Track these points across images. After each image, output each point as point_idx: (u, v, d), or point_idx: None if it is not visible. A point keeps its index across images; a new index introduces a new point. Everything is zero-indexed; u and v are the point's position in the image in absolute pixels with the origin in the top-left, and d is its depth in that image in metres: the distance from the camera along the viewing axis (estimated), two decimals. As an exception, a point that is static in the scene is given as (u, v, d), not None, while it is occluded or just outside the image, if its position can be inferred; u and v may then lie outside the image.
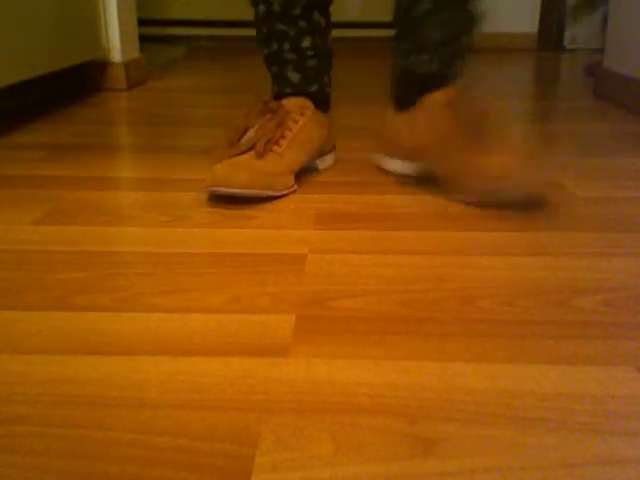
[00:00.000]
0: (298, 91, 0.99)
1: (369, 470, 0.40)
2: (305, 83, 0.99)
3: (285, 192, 0.91)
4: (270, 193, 0.88)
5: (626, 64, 1.54)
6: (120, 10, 1.72)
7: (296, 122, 0.95)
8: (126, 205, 0.87)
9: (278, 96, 1.00)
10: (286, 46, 0.98)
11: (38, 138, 1.24)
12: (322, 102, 1.02)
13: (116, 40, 1.73)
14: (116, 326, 0.57)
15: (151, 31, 2.83)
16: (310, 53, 0.99)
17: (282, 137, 0.92)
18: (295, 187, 0.93)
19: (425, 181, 0.94)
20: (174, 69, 2.20)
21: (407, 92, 0.95)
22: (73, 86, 1.77)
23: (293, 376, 0.50)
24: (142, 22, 2.03)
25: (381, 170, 1.02)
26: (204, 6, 3.00)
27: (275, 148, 0.91)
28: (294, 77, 0.99)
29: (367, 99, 1.65)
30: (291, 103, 0.97)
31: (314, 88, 1.00)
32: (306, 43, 0.98)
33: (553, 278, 0.67)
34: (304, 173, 0.98)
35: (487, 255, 0.72)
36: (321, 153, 1.02)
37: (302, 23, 0.97)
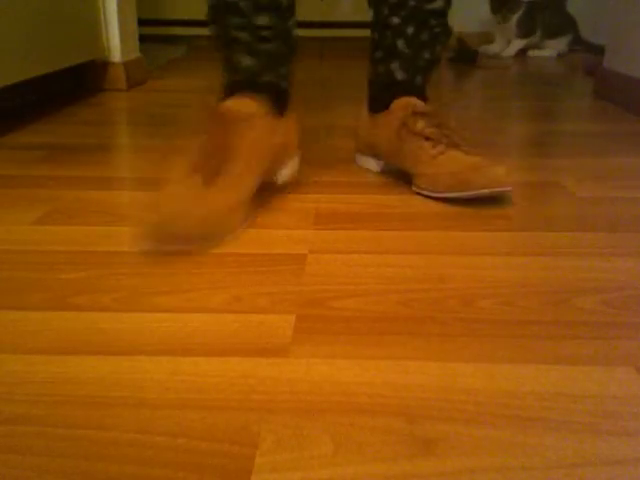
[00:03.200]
0: (248, 80, 0.86)
1: (369, 470, 0.40)
2: (257, 70, 0.86)
3: (238, 229, 0.78)
4: (224, 235, 0.75)
5: (626, 64, 1.54)
6: (120, 10, 1.72)
7: (243, 138, 0.79)
8: (126, 205, 0.87)
9: (227, 90, 0.87)
10: (235, 21, 0.84)
11: (38, 138, 1.24)
12: (277, 99, 0.88)
13: (116, 40, 1.73)
14: (116, 326, 0.57)
15: (151, 31, 2.83)
16: (266, 33, 0.85)
17: (232, 158, 0.77)
18: (248, 220, 0.80)
19: (395, 178, 0.97)
20: (174, 69, 2.20)
21: (378, 96, 1.00)
22: (73, 86, 1.77)
23: (293, 376, 0.50)
24: (142, 22, 2.03)
25: (361, 167, 1.05)
26: (204, 6, 3.00)
27: (224, 179, 0.76)
28: (245, 61, 0.86)
29: (361, 99, 1.65)
30: (240, 109, 0.81)
31: (267, 78, 0.87)
32: (262, 21, 0.84)
33: (553, 278, 0.67)
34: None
35: (487, 255, 0.72)
36: (278, 166, 0.89)
37: None
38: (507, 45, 2.69)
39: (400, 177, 0.97)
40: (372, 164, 1.03)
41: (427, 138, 0.91)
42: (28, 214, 0.83)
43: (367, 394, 0.48)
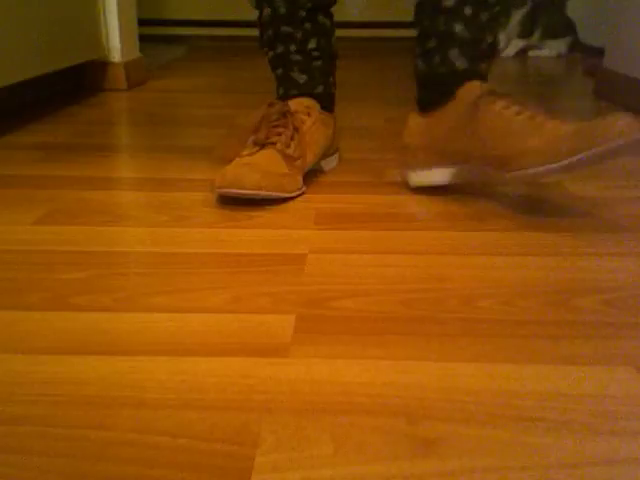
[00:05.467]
0: (304, 92, 0.99)
1: (369, 470, 0.40)
2: (311, 84, 1.00)
3: (295, 194, 0.90)
4: (281, 195, 0.87)
5: (626, 64, 1.54)
6: (120, 10, 1.72)
7: (303, 123, 0.94)
8: (126, 205, 0.87)
9: (284, 97, 1.00)
10: (292, 48, 0.98)
11: (38, 138, 1.24)
12: (327, 103, 1.03)
13: (116, 40, 1.73)
14: (116, 326, 0.57)
15: (151, 31, 2.83)
16: (316, 54, 0.99)
17: (291, 138, 0.92)
18: (304, 189, 0.92)
19: (463, 185, 0.90)
20: (174, 69, 2.20)
21: (436, 91, 0.89)
22: (73, 86, 1.77)
23: (293, 376, 0.50)
24: (142, 22, 2.03)
25: (411, 185, 0.92)
26: (204, 6, 3.00)
27: (283, 149, 0.90)
28: (300, 78, 0.99)
29: (368, 99, 1.65)
30: (297, 104, 0.97)
31: (320, 89, 1.01)
32: (312, 44, 0.99)
33: (553, 278, 0.67)
34: (308, 174, 0.97)
35: (487, 255, 0.72)
36: (326, 154, 1.02)
37: (307, 25, 0.98)
38: (507, 41, 2.69)
39: (473, 181, 0.89)
40: (439, 176, 0.88)
41: (518, 113, 0.79)
42: (28, 214, 0.83)
43: (367, 394, 0.48)
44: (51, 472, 0.40)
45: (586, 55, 2.54)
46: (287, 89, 1.01)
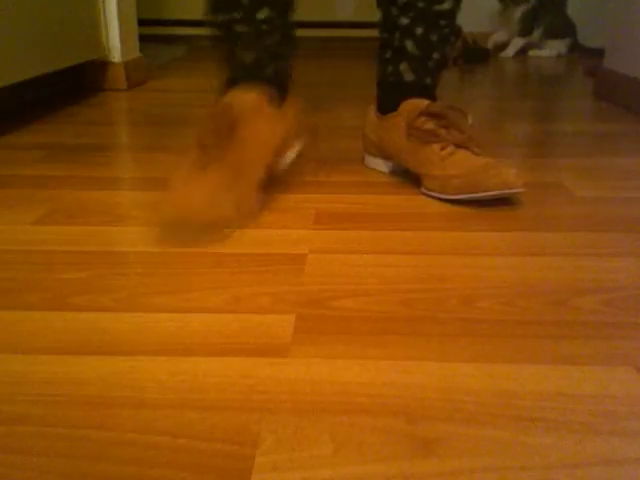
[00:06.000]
0: (250, 74, 0.87)
1: (369, 470, 0.40)
2: (259, 64, 0.87)
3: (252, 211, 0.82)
4: (219, 221, 0.76)
5: (626, 64, 1.54)
6: (120, 10, 1.72)
7: (248, 126, 0.82)
8: (126, 205, 0.87)
9: (229, 84, 0.88)
10: (237, 15, 0.84)
11: (38, 138, 1.24)
12: (278, 90, 0.90)
13: (116, 40, 1.73)
14: (116, 326, 0.57)
15: (151, 31, 2.83)
16: (266, 28, 0.85)
17: (235, 149, 0.80)
18: (260, 199, 0.84)
19: (402, 178, 0.96)
20: (174, 69, 2.20)
21: (387, 97, 1.00)
22: (73, 86, 1.77)
23: (293, 376, 0.50)
24: (142, 22, 2.03)
25: (369, 168, 1.04)
26: (204, 5, 3.00)
27: (232, 159, 0.78)
28: (246, 56, 0.86)
29: (363, 99, 1.65)
30: (243, 101, 0.83)
31: (270, 71, 0.88)
32: (262, 14, 0.84)
33: (553, 278, 0.67)
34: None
35: (487, 255, 0.72)
36: (280, 153, 0.91)
37: None
38: (507, 40, 2.69)
39: (409, 178, 0.97)
40: (381, 165, 1.03)
41: (436, 139, 0.90)
42: (28, 214, 0.83)
43: (367, 394, 0.48)
44: (51, 472, 0.40)
45: (585, 56, 2.55)
46: (232, 71, 0.88)
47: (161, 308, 0.60)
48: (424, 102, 0.94)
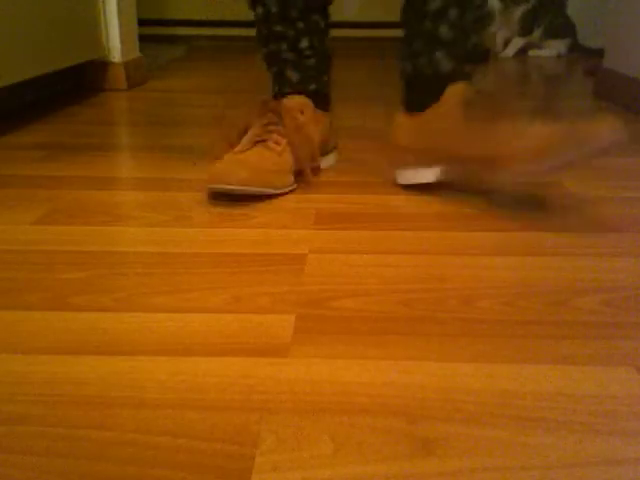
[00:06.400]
0: (297, 89, 1.00)
1: (369, 470, 0.40)
2: (304, 82, 1.00)
3: (285, 190, 0.92)
4: (269, 191, 0.89)
5: (626, 64, 1.54)
6: (120, 10, 1.72)
7: (296, 120, 0.95)
8: (126, 205, 0.87)
9: (278, 96, 1.01)
10: (284, 46, 0.99)
11: (38, 138, 1.24)
12: (322, 101, 1.03)
13: (116, 40, 1.73)
14: (116, 326, 0.57)
15: (151, 31, 2.83)
16: (308, 53, 1.00)
17: (283, 136, 0.93)
18: (295, 185, 0.93)
19: (446, 184, 0.90)
20: (174, 69, 2.20)
21: (422, 93, 0.90)
22: (73, 86, 1.77)
23: (293, 376, 0.50)
24: (142, 22, 2.03)
25: (401, 184, 0.94)
26: (204, 6, 3.00)
27: (274, 146, 0.91)
28: (293, 76, 1.00)
29: (366, 99, 1.65)
30: (291, 102, 0.97)
31: (313, 87, 1.01)
32: (304, 43, 0.99)
33: (553, 278, 0.67)
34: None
35: (487, 255, 0.72)
36: (322, 152, 1.02)
37: (300, 24, 0.98)
38: (507, 40, 2.69)
39: (468, 184, 0.89)
40: (426, 175, 0.89)
41: (501, 116, 0.82)
42: (28, 214, 0.83)
43: (367, 394, 0.48)
44: (51, 472, 0.40)
45: (585, 56, 2.55)
46: (281, 87, 1.01)
47: (161, 308, 0.60)
48: (469, 85, 0.87)
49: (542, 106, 1.60)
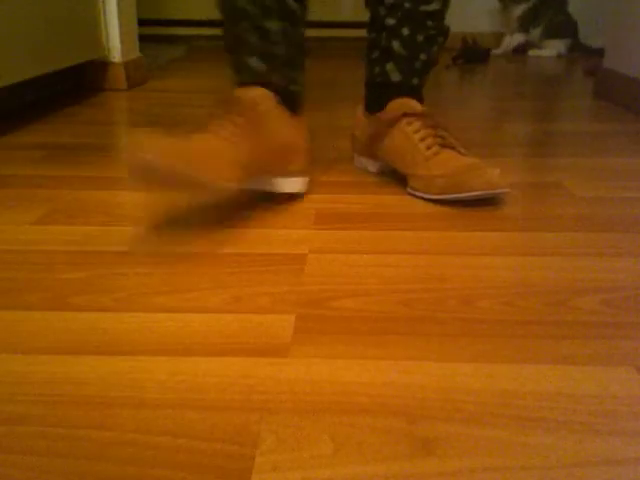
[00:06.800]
0: (259, 80, 0.86)
1: (369, 470, 0.40)
2: (266, 71, 0.86)
3: (222, 185, 0.73)
4: (191, 173, 0.70)
5: (626, 64, 1.54)
6: (120, 10, 1.72)
7: (251, 113, 0.80)
8: (126, 205, 0.87)
9: (236, 87, 0.88)
10: (245, 25, 0.85)
11: (38, 138, 1.24)
12: (288, 101, 0.87)
13: (116, 40, 1.73)
14: (116, 326, 0.57)
15: (151, 31, 2.83)
16: (276, 38, 0.86)
17: (234, 124, 0.79)
18: (235, 187, 0.76)
19: (389, 178, 0.97)
20: (174, 69, 2.20)
21: (374, 97, 1.00)
22: (73, 86, 1.77)
23: (293, 376, 0.50)
24: (142, 22, 2.03)
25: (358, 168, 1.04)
26: (204, 6, 3.00)
27: (221, 131, 0.77)
28: (256, 64, 0.86)
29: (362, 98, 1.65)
30: (246, 93, 0.82)
31: (278, 80, 0.87)
32: (271, 25, 0.85)
33: (553, 278, 0.67)
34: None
35: (487, 255, 0.72)
36: (286, 172, 0.85)
37: (268, 1, 0.84)
38: (507, 37, 2.69)
39: (396, 178, 0.97)
40: (369, 165, 1.03)
41: (421, 139, 0.91)
42: (28, 214, 0.83)
43: (367, 394, 0.48)
44: (51, 472, 0.40)
45: (585, 56, 2.55)
46: (241, 76, 0.88)
47: (161, 308, 0.60)
48: (411, 102, 0.94)
49: (542, 106, 1.60)
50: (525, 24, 2.64)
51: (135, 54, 1.84)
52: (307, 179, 0.90)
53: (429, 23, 0.94)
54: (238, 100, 0.81)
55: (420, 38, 0.95)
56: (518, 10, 2.63)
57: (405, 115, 0.93)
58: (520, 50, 2.70)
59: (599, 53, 1.88)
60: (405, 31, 0.94)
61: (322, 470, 0.40)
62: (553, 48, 2.65)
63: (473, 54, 2.37)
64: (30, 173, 1.01)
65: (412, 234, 0.78)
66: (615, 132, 1.30)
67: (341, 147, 1.15)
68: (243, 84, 0.87)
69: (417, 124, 0.92)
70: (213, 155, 0.73)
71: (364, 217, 0.83)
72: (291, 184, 0.87)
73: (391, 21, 0.94)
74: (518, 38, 2.66)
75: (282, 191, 0.86)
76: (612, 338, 0.55)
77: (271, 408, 0.46)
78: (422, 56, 0.96)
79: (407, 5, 0.93)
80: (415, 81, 0.97)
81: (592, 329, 0.57)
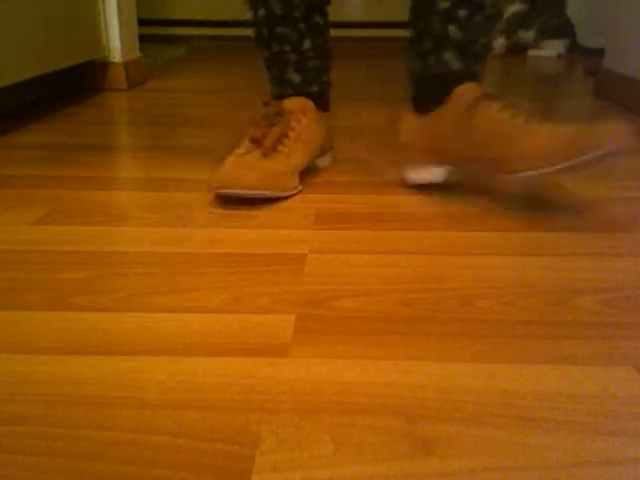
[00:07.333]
0: (299, 91, 1.00)
1: (369, 470, 0.40)
2: (306, 84, 1.00)
3: (293, 192, 0.91)
4: (279, 194, 0.88)
5: (626, 64, 1.54)
6: (120, 10, 1.72)
7: (299, 122, 0.95)
8: (126, 205, 0.87)
9: (279, 97, 1.01)
10: (287, 48, 0.99)
11: (38, 138, 1.24)
12: (322, 102, 1.03)
13: (116, 40, 1.73)
14: (116, 326, 0.57)
15: (151, 31, 2.83)
16: (311, 54, 0.99)
17: (286, 137, 0.93)
18: (300, 187, 0.93)
19: (451, 185, 0.91)
20: (174, 69, 2.20)
21: (429, 92, 0.91)
22: (73, 86, 1.77)
23: (293, 376, 0.50)
24: (142, 22, 2.03)
25: (408, 182, 0.94)
26: (204, 6, 3.00)
27: (280, 148, 0.91)
28: (295, 78, 1.00)
29: (367, 99, 1.65)
30: (293, 103, 0.97)
31: (315, 88, 1.01)
32: (306, 45, 0.99)
33: (553, 278, 0.67)
34: (306, 173, 0.97)
35: (487, 255, 0.72)
36: (320, 152, 1.03)
37: (302, 25, 0.97)
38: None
39: (465, 189, 0.90)
40: (433, 174, 0.90)
41: (513, 116, 0.81)
42: (28, 214, 0.83)
43: (367, 394, 0.48)
44: (51, 472, 0.40)
45: (585, 56, 2.55)
46: (282, 89, 1.01)
47: (161, 308, 0.60)
48: (477, 86, 0.86)
49: (542, 106, 1.60)
50: (511, 27, 2.63)
51: (135, 54, 1.84)
52: (332, 152, 1.08)
53: (487, 2, 0.87)
54: (288, 110, 0.95)
55: (479, 20, 0.87)
56: (507, 12, 2.62)
57: (482, 96, 0.83)
58: (520, 50, 2.70)
59: (598, 53, 1.88)
60: (462, 13, 0.86)
61: (322, 470, 0.40)
62: (553, 48, 2.65)
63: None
64: (30, 173, 1.01)
65: (412, 234, 0.78)
66: (615, 132, 1.30)
67: (341, 147, 1.15)
68: (283, 96, 1.00)
69: (498, 105, 0.82)
70: (282, 171, 0.89)
71: (364, 217, 0.83)
72: (325, 160, 1.05)
73: (445, 4, 0.86)
74: (499, 42, 2.65)
75: (321, 166, 1.04)
76: (612, 338, 0.55)
77: (271, 408, 0.46)
78: (482, 39, 0.88)
79: None
80: (477, 69, 0.89)
81: (592, 329, 0.57)
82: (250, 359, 0.52)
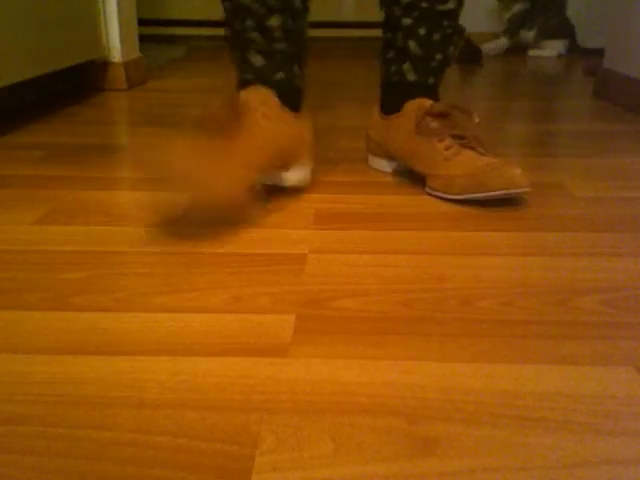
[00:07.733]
0: (261, 77, 0.88)
1: (369, 470, 0.40)
2: (270, 68, 0.89)
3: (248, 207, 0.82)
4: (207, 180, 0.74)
5: (626, 64, 1.54)
6: (120, 10, 1.72)
7: (254, 124, 0.82)
8: (126, 205, 0.87)
9: (240, 86, 0.91)
10: (249, 23, 0.87)
11: (38, 138, 1.24)
12: (289, 97, 0.90)
13: (116, 40, 1.73)
14: (116, 326, 0.57)
15: (151, 31, 2.83)
16: (278, 34, 0.88)
17: (239, 139, 0.80)
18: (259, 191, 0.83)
19: (405, 178, 0.95)
20: (174, 69, 2.20)
21: (390, 97, 1.00)
22: (73, 86, 1.77)
23: (293, 376, 0.50)
24: (142, 22, 2.03)
25: (372, 168, 1.04)
26: (204, 6, 3.00)
27: (230, 158, 0.78)
28: (257, 61, 0.89)
29: (366, 99, 1.65)
30: (250, 96, 0.84)
31: (280, 76, 0.89)
32: (274, 22, 0.87)
33: (553, 278, 0.67)
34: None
35: (487, 255, 0.72)
36: (285, 164, 0.88)
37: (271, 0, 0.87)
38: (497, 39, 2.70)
39: (412, 178, 0.97)
40: (385, 166, 1.02)
41: (440, 140, 0.90)
42: (28, 214, 0.83)
43: (367, 394, 0.48)
44: (51, 472, 0.40)
45: (585, 56, 2.55)
46: (243, 74, 0.90)
47: (161, 308, 0.60)
48: (428, 102, 0.94)
49: (542, 106, 1.60)
50: (513, 27, 2.63)
51: (135, 54, 1.84)
52: (309, 172, 0.93)
53: (445, 23, 0.94)
54: (244, 103, 0.83)
55: (436, 38, 0.95)
56: (509, 13, 2.63)
57: (425, 114, 0.92)
58: (519, 50, 2.70)
59: (598, 53, 1.88)
60: (422, 31, 0.94)
61: (322, 470, 0.40)
62: (553, 48, 2.65)
63: (465, 54, 2.37)
64: (30, 173, 1.01)
65: (412, 234, 0.78)
66: (615, 132, 1.30)
67: (342, 147, 1.15)
68: (245, 81, 0.90)
69: (435, 124, 0.91)
70: (226, 158, 0.77)
71: (364, 217, 0.83)
72: (294, 177, 0.91)
73: (407, 21, 0.94)
74: (502, 42, 2.66)
75: (286, 185, 0.90)
76: (612, 338, 0.55)
77: (271, 408, 0.46)
78: (438, 56, 0.96)
79: (423, 5, 0.93)
80: (431, 80, 0.97)
81: (592, 329, 0.57)
82: (250, 359, 0.52)
